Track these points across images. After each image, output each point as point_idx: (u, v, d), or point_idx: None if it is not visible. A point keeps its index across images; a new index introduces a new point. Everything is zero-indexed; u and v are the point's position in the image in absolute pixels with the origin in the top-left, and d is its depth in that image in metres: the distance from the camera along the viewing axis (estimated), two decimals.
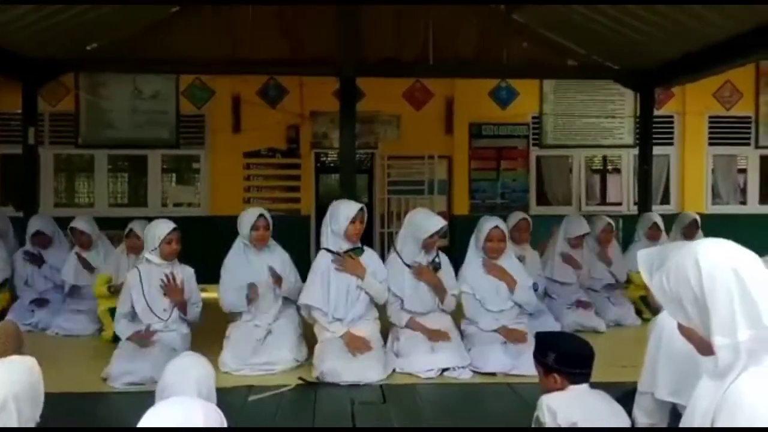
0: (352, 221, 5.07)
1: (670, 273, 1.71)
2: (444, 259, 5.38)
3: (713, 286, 1.62)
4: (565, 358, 2.95)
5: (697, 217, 7.33)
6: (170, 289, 5.04)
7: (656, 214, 7.47)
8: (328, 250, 5.14)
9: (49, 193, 9.34)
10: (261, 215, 5.35)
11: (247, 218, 5.36)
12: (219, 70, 8.25)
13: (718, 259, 1.65)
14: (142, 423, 1.76)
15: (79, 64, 8.11)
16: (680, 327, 1.75)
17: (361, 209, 5.15)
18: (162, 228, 5.10)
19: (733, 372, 1.58)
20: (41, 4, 6.14)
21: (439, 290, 5.19)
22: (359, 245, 5.21)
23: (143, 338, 4.88)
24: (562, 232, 6.83)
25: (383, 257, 5.60)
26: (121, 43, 7.78)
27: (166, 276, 5.05)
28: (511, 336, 5.08)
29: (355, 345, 4.84)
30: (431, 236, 5.19)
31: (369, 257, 5.23)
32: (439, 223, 5.22)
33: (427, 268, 5.21)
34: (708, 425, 1.59)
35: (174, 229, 5.10)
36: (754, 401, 1.52)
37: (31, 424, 1.97)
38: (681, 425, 1.78)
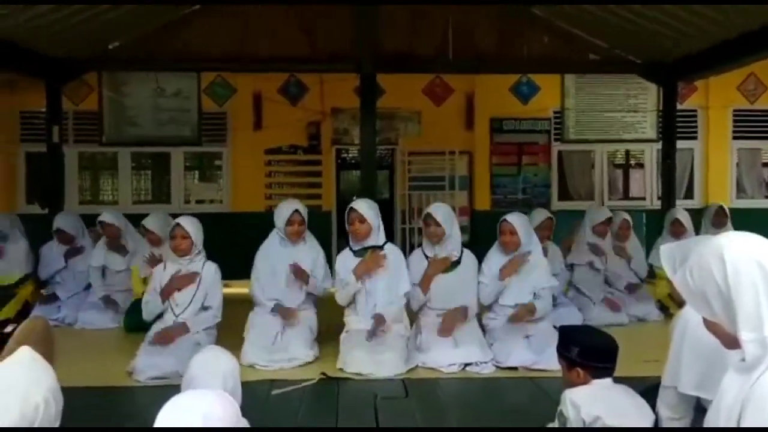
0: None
1: (694, 267, 1.70)
2: (468, 262, 5.37)
3: (738, 279, 1.60)
4: (588, 352, 2.95)
5: (724, 205, 7.26)
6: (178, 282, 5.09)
7: (680, 209, 7.36)
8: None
9: (74, 191, 9.44)
10: (296, 210, 5.39)
11: (283, 212, 5.43)
12: (240, 67, 8.30)
13: (743, 252, 1.63)
14: (163, 414, 1.78)
15: (102, 62, 8.19)
16: (705, 322, 1.74)
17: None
18: (172, 225, 5.22)
19: (761, 366, 1.56)
20: (63, 3, 6.20)
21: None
22: (379, 243, 5.25)
23: (163, 339, 4.89)
24: (588, 222, 6.85)
25: (405, 253, 5.63)
26: (142, 41, 7.85)
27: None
28: (521, 316, 5.10)
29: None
30: (425, 220, 5.28)
31: (391, 254, 5.27)
32: (432, 209, 5.31)
33: (438, 260, 5.21)
34: (734, 419, 1.57)
35: (176, 224, 5.15)
36: None
37: (59, 422, 2.01)
38: (707, 419, 1.75)
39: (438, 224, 5.22)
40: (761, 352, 1.57)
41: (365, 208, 5.24)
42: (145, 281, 6.14)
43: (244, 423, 2.01)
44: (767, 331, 1.56)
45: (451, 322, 5.09)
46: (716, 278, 1.63)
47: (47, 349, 3.53)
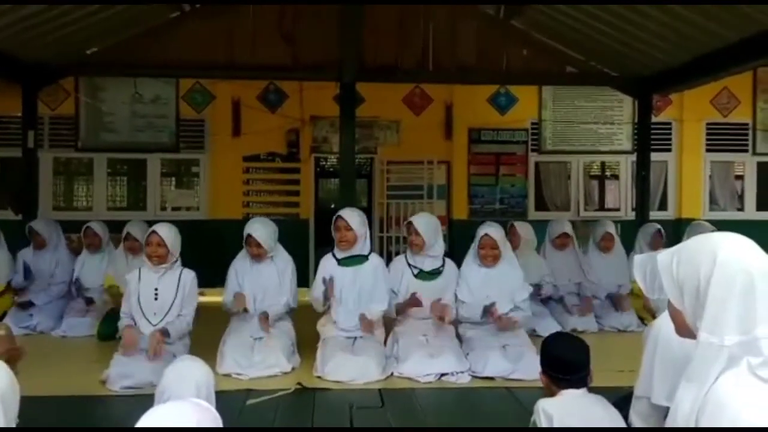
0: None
1: (683, 257, 1.70)
2: (449, 270, 5.41)
3: (721, 282, 1.60)
4: (551, 362, 2.98)
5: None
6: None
7: (654, 224, 7.45)
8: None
9: (48, 197, 9.34)
10: (249, 235, 5.35)
11: (245, 231, 5.41)
12: (219, 74, 8.28)
13: (737, 258, 1.62)
14: (142, 423, 1.76)
15: (79, 67, 8.12)
16: (670, 305, 1.76)
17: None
18: (147, 231, 5.14)
19: (711, 374, 1.57)
20: (44, 3, 6.14)
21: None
22: (364, 253, 5.29)
23: (128, 346, 4.79)
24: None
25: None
26: (121, 47, 7.79)
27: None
28: (505, 323, 5.17)
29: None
30: (408, 228, 5.35)
31: (372, 265, 5.32)
32: (415, 220, 5.37)
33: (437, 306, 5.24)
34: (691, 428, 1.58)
35: (152, 232, 5.02)
36: (736, 403, 1.51)
37: (13, 425, 1.97)
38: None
39: (418, 234, 5.25)
40: (713, 359, 1.58)
41: (352, 216, 5.28)
42: (111, 291, 6.12)
43: None
44: (727, 341, 1.57)
45: (440, 310, 5.15)
46: (700, 273, 1.64)
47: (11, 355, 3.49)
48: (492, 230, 5.38)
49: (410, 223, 5.36)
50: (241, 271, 5.42)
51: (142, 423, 1.75)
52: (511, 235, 6.56)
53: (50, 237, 6.82)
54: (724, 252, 1.64)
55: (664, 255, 1.76)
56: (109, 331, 5.86)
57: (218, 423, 1.86)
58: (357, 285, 5.23)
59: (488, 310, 5.23)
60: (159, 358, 4.64)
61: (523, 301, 5.39)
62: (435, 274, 5.34)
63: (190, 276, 5.14)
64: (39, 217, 7.49)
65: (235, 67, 7.73)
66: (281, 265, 5.46)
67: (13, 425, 1.98)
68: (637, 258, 1.90)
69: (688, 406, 1.61)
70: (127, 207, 10.12)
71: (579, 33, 7.44)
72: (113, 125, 9.41)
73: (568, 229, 7.00)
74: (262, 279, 5.38)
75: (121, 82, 9.24)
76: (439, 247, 5.42)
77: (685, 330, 1.71)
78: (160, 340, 4.76)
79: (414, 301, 5.20)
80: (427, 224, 5.34)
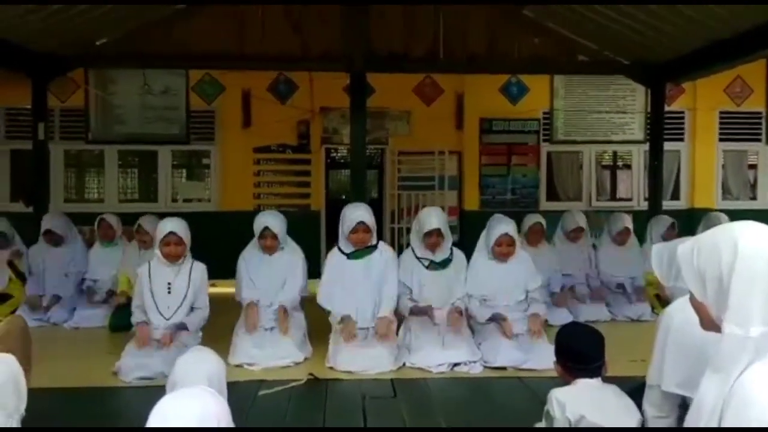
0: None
1: (704, 246, 1.67)
2: (458, 259, 5.39)
3: (742, 270, 1.57)
4: (564, 352, 2.98)
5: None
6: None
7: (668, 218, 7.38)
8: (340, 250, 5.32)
9: (59, 189, 9.36)
10: (266, 227, 5.34)
11: (257, 226, 5.40)
12: (229, 65, 8.26)
13: (758, 245, 1.60)
14: (156, 412, 1.76)
15: (89, 59, 8.11)
16: (692, 298, 1.72)
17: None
18: (161, 229, 5.07)
19: (737, 366, 1.53)
20: (49, 3, 6.14)
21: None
22: (373, 243, 5.28)
23: (142, 340, 4.82)
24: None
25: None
26: (130, 38, 7.78)
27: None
28: (534, 325, 5.10)
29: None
30: (428, 234, 5.23)
31: (382, 255, 5.30)
32: (434, 222, 5.24)
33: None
34: (715, 421, 1.54)
35: (170, 232, 4.98)
36: (763, 397, 1.47)
37: (17, 416, 1.97)
38: (686, 422, 1.72)
39: (441, 234, 5.27)
40: (739, 351, 1.54)
41: (368, 216, 5.27)
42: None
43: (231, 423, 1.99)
44: (753, 332, 1.53)
45: (457, 322, 5.08)
46: (722, 263, 1.60)
47: (24, 349, 3.51)
48: (510, 228, 5.35)
49: (438, 230, 5.26)
50: (252, 263, 5.42)
51: (157, 411, 1.74)
52: (535, 233, 6.58)
53: (66, 234, 6.85)
54: (745, 240, 1.60)
55: (684, 247, 1.72)
56: (120, 322, 5.88)
57: (229, 416, 1.86)
58: (368, 277, 5.22)
59: (497, 320, 5.18)
60: (169, 348, 4.68)
61: (536, 290, 5.37)
62: (445, 263, 5.32)
63: (200, 268, 5.14)
64: (51, 210, 7.51)
65: (244, 57, 7.71)
66: (291, 256, 5.47)
67: (15, 418, 1.97)
68: (655, 247, 1.88)
69: (713, 399, 1.57)
70: (138, 199, 10.16)
71: (591, 21, 7.36)
72: (123, 117, 9.42)
73: (583, 222, 6.97)
74: (273, 271, 5.37)
75: (130, 74, 9.24)
76: (449, 237, 5.41)
77: (710, 324, 1.67)
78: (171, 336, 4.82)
79: (429, 314, 5.15)
80: (443, 221, 5.34)
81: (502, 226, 5.35)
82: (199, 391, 1.87)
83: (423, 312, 5.17)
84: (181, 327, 4.93)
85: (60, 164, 9.39)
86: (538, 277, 5.47)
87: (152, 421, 1.73)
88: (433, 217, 5.30)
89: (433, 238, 5.25)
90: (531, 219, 6.79)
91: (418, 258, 5.33)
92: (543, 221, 6.76)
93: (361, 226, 5.20)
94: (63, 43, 7.36)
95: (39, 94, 7.69)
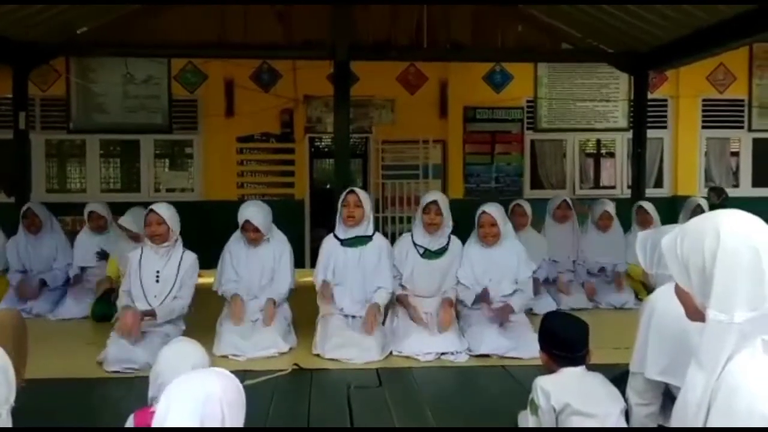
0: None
1: (687, 234, 1.68)
2: (455, 249, 5.38)
3: (725, 258, 1.58)
4: (550, 340, 2.98)
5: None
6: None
7: (644, 202, 7.37)
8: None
9: (41, 179, 9.28)
10: (247, 221, 5.25)
11: (239, 217, 5.33)
12: (211, 54, 8.20)
13: (740, 233, 1.61)
14: (171, 389, 1.77)
15: (70, 48, 8.03)
16: (677, 288, 1.74)
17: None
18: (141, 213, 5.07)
19: (723, 353, 1.54)
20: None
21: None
22: (369, 233, 5.28)
23: (125, 328, 4.68)
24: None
25: None
26: (111, 26, 7.71)
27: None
28: (501, 314, 5.08)
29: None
30: (426, 209, 5.25)
31: (376, 245, 5.32)
32: (433, 195, 5.34)
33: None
34: (703, 413, 1.54)
35: (150, 210, 4.94)
36: (751, 385, 1.47)
37: (6, 407, 1.95)
38: (675, 412, 1.71)
39: (439, 212, 5.25)
40: (723, 337, 1.55)
41: (363, 193, 5.34)
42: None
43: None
44: (737, 317, 1.54)
45: (447, 315, 5.07)
46: (705, 251, 1.61)
47: (20, 340, 3.47)
48: (490, 208, 5.33)
49: (433, 201, 5.28)
50: (236, 254, 5.37)
51: (170, 390, 1.73)
52: (517, 216, 6.51)
53: (45, 220, 6.76)
54: (727, 227, 1.62)
55: (668, 237, 1.73)
56: (103, 311, 5.86)
57: (241, 393, 1.87)
58: (361, 266, 5.21)
59: (482, 298, 5.20)
60: (142, 338, 4.65)
61: (525, 281, 5.33)
62: (441, 252, 5.32)
63: (190, 258, 5.08)
64: (31, 200, 7.42)
65: (227, 46, 7.66)
66: (277, 247, 5.40)
67: (6, 409, 1.95)
68: (640, 234, 1.89)
69: (700, 391, 1.57)
70: (121, 189, 10.07)
71: (575, 9, 7.37)
72: (105, 106, 9.34)
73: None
74: (259, 262, 5.33)
75: (112, 63, 9.15)
76: (450, 224, 5.40)
77: (695, 313, 1.68)
78: (139, 322, 4.71)
79: (415, 315, 5.14)
80: (444, 202, 5.34)
81: (482, 207, 5.38)
82: (209, 374, 1.89)
83: (408, 307, 5.18)
84: (150, 314, 4.79)
85: (41, 154, 9.31)
86: (531, 264, 5.44)
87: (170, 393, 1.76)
88: (432, 193, 5.43)
89: (431, 214, 5.23)
90: (513, 202, 6.77)
91: (415, 244, 5.32)
92: (525, 204, 6.71)
93: (353, 198, 5.21)
94: (44, 32, 7.29)
95: (20, 83, 7.62)
